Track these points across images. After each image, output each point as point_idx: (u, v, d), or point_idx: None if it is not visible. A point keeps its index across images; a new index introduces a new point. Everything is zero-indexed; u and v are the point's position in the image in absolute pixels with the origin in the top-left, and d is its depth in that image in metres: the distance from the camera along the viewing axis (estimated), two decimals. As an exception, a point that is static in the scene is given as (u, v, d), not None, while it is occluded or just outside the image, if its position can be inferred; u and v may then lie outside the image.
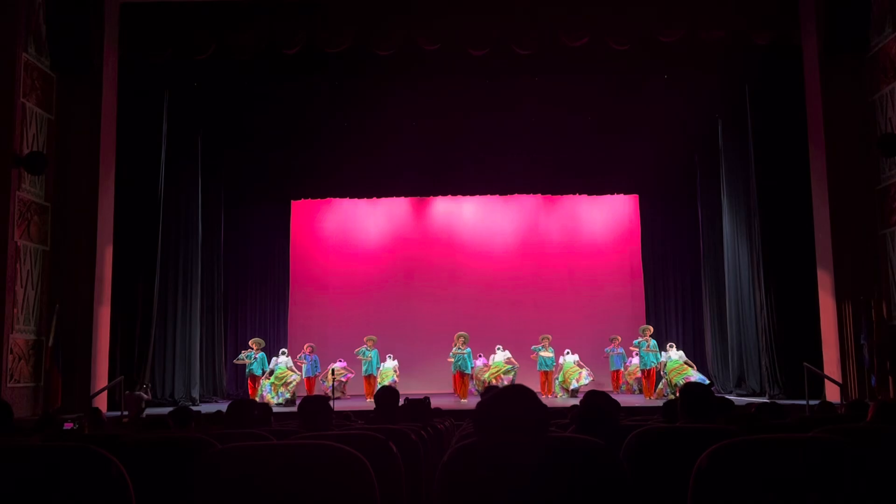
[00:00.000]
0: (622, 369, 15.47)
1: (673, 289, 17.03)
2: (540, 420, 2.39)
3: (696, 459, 2.27)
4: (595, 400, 4.11)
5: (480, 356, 15.19)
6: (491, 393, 2.49)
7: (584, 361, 15.41)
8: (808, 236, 12.49)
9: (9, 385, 10.46)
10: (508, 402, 2.40)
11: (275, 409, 10.79)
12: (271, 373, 14.29)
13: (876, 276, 11.34)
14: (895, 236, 11.03)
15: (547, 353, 15.32)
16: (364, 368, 15.08)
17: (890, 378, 10.89)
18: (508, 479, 2.24)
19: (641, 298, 17.16)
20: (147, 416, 10.88)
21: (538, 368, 15.33)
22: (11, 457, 2.21)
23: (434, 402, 7.71)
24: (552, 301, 17.20)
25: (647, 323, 16.80)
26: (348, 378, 15.36)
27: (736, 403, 7.59)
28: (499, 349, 15.06)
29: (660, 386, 14.53)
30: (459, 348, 14.76)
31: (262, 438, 3.61)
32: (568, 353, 15.41)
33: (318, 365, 15.14)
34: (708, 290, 16.14)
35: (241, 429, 4.43)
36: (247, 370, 14.62)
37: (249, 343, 14.85)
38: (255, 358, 14.52)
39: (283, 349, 14.97)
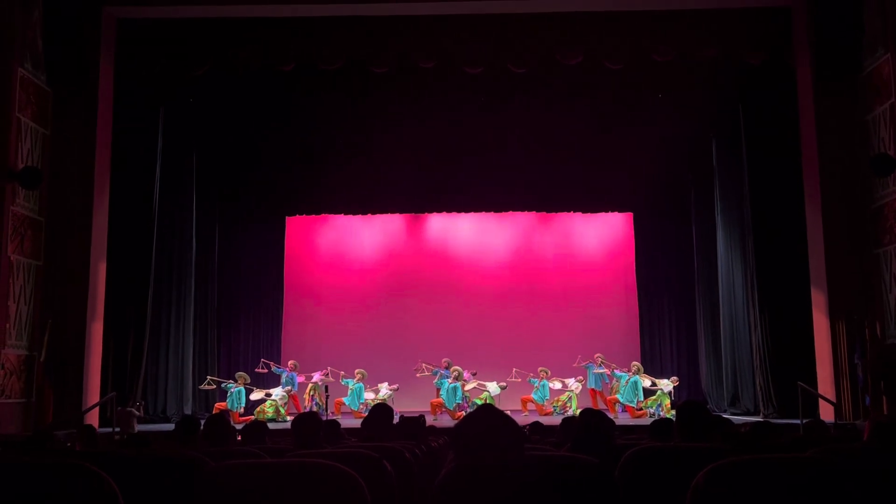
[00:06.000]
0: (601, 389, 15.29)
1: (667, 306, 17.02)
2: (519, 438, 2.41)
3: (692, 479, 2.26)
4: (591, 418, 4.10)
5: (472, 377, 14.98)
6: (466, 416, 2.52)
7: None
8: (802, 255, 12.51)
9: (0, 401, 10.40)
10: (486, 422, 2.41)
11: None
12: (249, 408, 14.18)
13: (869, 296, 11.37)
14: (888, 256, 11.07)
15: (550, 384, 15.06)
16: (347, 399, 14.73)
17: (884, 398, 10.90)
18: (504, 498, 2.24)
19: (636, 316, 17.14)
20: (139, 432, 10.82)
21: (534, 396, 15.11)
22: (2, 473, 2.19)
23: (428, 420, 7.70)
24: (547, 318, 17.17)
25: (642, 340, 16.81)
26: (335, 379, 14.95)
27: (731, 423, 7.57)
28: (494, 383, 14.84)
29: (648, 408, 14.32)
30: (447, 377, 14.55)
31: (257, 456, 3.59)
32: (578, 379, 15.15)
33: (295, 382, 14.89)
34: (702, 307, 16.14)
35: (221, 444, 4.42)
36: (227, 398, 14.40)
37: (235, 375, 14.64)
38: (233, 392, 14.22)
39: (269, 391, 14.63)
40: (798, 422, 10.99)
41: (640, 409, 14.27)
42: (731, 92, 13.99)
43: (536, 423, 9.28)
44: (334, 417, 13.74)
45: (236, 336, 16.66)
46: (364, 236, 17.76)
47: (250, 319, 16.80)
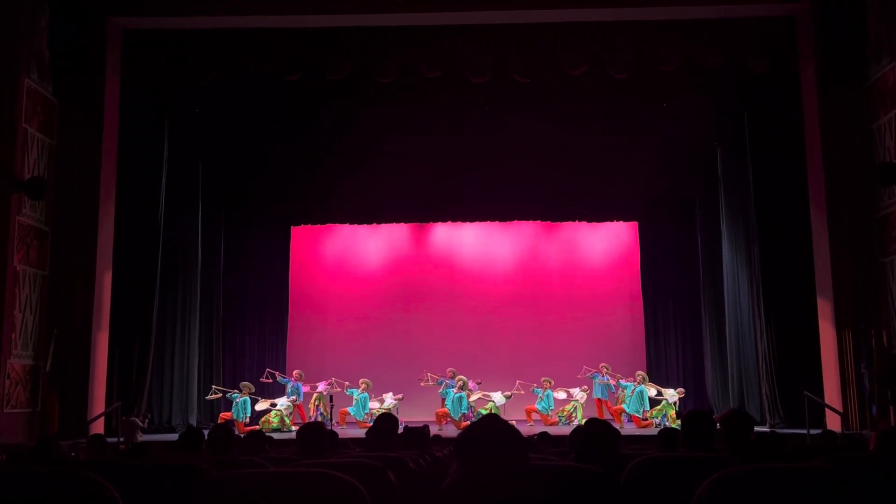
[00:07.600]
0: (607, 399, 15.24)
1: (672, 315, 16.97)
2: (523, 447, 2.41)
3: (696, 489, 2.25)
4: (595, 428, 4.09)
5: (477, 386, 14.95)
6: (471, 424, 2.51)
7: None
8: (808, 263, 12.48)
9: (5, 410, 10.42)
10: (490, 431, 2.41)
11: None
12: (253, 418, 14.18)
13: (875, 304, 11.32)
14: (894, 265, 11.02)
15: (555, 394, 14.98)
16: (352, 409, 14.64)
17: (890, 407, 10.83)
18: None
19: (641, 325, 17.10)
20: (141, 442, 10.81)
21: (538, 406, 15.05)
22: (6, 481, 2.20)
23: (433, 430, 7.69)
24: (552, 328, 17.13)
25: (647, 349, 16.74)
26: (340, 389, 14.93)
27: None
28: (499, 393, 14.80)
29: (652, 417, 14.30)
30: (452, 387, 14.49)
31: (260, 466, 3.58)
32: (583, 388, 15.09)
33: (301, 392, 14.93)
34: (707, 316, 16.09)
35: (225, 454, 4.41)
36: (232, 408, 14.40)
37: (240, 385, 14.61)
38: (238, 401, 14.17)
39: (275, 402, 14.62)
40: (804, 431, 10.95)
41: (646, 418, 14.23)
42: (736, 100, 14.02)
43: (544, 434, 9.27)
44: (338, 427, 13.72)
45: (241, 346, 16.66)
46: (369, 246, 17.77)
47: (255, 329, 16.80)
